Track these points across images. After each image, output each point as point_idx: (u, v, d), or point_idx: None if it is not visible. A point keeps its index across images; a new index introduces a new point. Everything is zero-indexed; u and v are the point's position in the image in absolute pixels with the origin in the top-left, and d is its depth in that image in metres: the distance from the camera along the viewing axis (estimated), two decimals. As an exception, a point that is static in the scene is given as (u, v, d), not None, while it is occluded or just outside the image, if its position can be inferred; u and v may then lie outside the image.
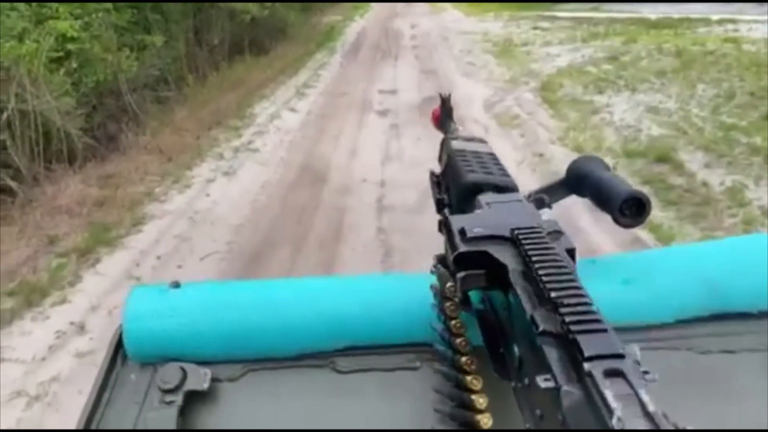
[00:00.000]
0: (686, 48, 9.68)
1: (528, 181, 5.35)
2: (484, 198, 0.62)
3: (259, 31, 12.65)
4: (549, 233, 0.52)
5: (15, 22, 5.89)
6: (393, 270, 3.92)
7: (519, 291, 0.45)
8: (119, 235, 4.65)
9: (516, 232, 0.51)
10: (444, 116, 0.92)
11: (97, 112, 7.06)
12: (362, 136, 7.30)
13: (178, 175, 5.97)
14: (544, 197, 0.67)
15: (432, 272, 0.61)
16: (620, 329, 0.39)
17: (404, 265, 3.92)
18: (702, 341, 0.63)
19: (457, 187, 0.69)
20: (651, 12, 15.26)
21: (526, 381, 0.42)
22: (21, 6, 6.11)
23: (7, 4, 5.96)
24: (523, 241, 0.50)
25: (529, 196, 0.67)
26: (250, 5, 10.65)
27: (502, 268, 0.49)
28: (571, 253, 0.50)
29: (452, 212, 0.62)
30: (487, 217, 0.58)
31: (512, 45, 12.69)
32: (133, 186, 5.66)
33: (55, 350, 3.23)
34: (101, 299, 3.71)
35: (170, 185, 5.74)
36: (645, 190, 4.83)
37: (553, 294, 0.42)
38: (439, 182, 0.79)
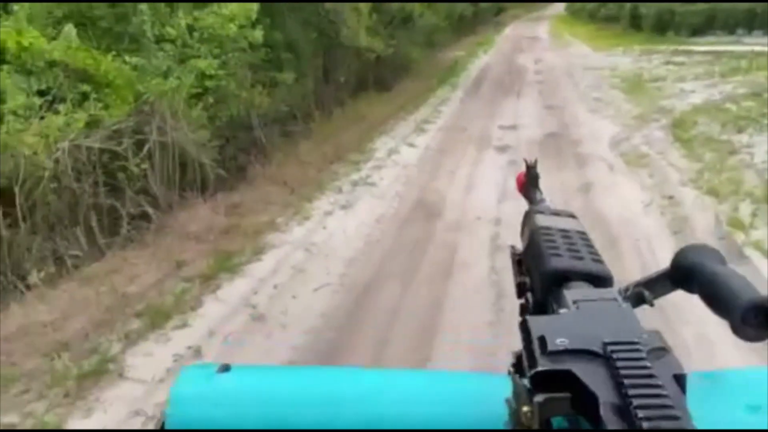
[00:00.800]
0: None
1: (656, 225, 5.00)
2: (571, 293, 0.53)
3: (383, 69, 13.00)
4: (650, 350, 0.42)
5: (162, 62, 6.44)
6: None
7: (608, 428, 0.37)
8: (240, 262, 4.86)
9: (609, 348, 0.42)
10: (529, 184, 0.84)
11: (230, 144, 7.51)
12: (479, 172, 7.22)
13: (299, 207, 6.18)
14: (644, 293, 0.57)
15: (509, 373, 0.49)
16: None
17: (514, 313, 3.75)
18: None
19: (540, 273, 0.59)
20: (802, 44, 14.02)
21: None
22: (168, 46, 6.67)
23: (156, 46, 6.53)
24: (618, 363, 0.41)
25: (627, 289, 0.57)
26: (376, 44, 10.96)
27: (591, 396, 0.39)
28: (679, 380, 0.40)
29: (534, 299, 0.54)
30: (574, 322, 0.48)
31: (642, 80, 12.11)
32: (256, 215, 5.93)
33: (173, 372, 3.39)
34: (218, 325, 3.87)
35: (291, 216, 5.94)
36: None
37: None
38: (520, 261, 0.68)
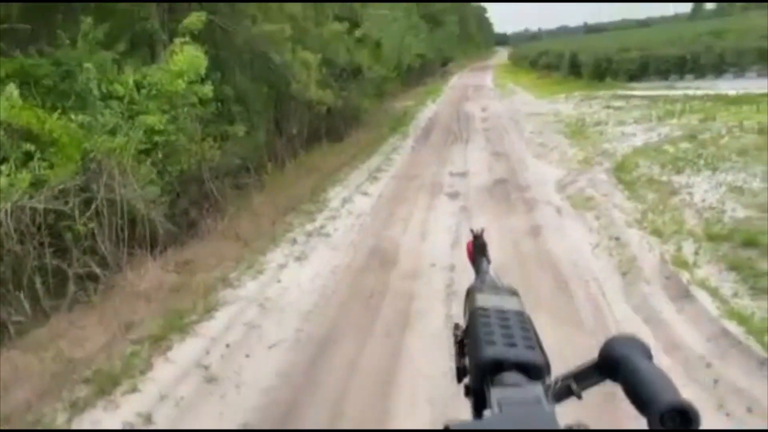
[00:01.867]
0: (771, 124, 9.27)
1: (604, 267, 5.12)
2: (496, 392, 0.54)
3: (335, 120, 13.17)
4: None
5: (108, 119, 6.36)
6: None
7: None
8: (192, 321, 4.74)
9: None
10: (476, 252, 0.88)
11: (180, 199, 7.41)
12: (432, 218, 7.30)
13: (252, 261, 6.10)
14: (572, 385, 0.60)
15: None
16: None
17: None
18: None
19: (475, 362, 0.60)
20: (729, 88, 14.84)
21: None
22: (114, 103, 6.60)
23: (103, 103, 6.46)
24: None
25: (556, 382, 0.59)
26: (327, 96, 11.12)
27: None
28: None
29: (472, 385, 0.56)
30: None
31: (584, 125, 12.58)
32: (208, 272, 5.82)
33: (122, 442, 3.25)
34: (169, 389, 3.74)
35: (244, 270, 5.86)
36: (731, 276, 4.52)
37: None
38: (462, 342, 0.69)
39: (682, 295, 4.33)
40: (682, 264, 4.81)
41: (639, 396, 0.54)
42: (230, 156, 8.70)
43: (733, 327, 3.67)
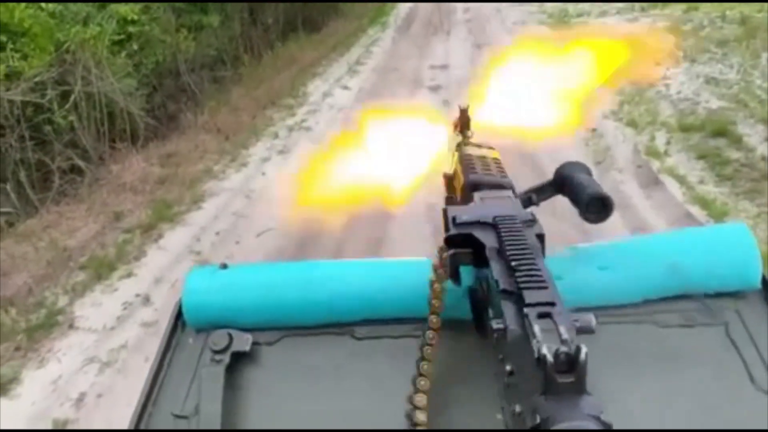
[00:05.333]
0: (751, 15, 9.23)
1: (578, 157, 5.27)
2: (478, 194, 0.73)
3: (313, 9, 12.73)
4: (524, 221, 0.63)
5: (80, 7, 6.14)
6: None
7: (491, 263, 0.57)
8: (180, 211, 4.86)
9: (497, 219, 0.63)
10: (463, 125, 1.04)
11: (158, 92, 7.32)
12: (413, 113, 7.31)
13: (235, 154, 6.15)
14: (532, 196, 0.78)
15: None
16: (595, 308, 0.48)
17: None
18: (665, 317, 0.73)
19: (461, 185, 0.81)
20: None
21: (495, 336, 0.52)
22: (85, -8, 6.35)
23: (72, -10, 6.21)
24: (500, 226, 0.61)
25: (520, 195, 0.77)
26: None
27: (482, 246, 0.60)
28: (540, 237, 0.62)
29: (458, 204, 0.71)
30: (477, 208, 0.69)
31: (567, 15, 12.36)
32: (192, 164, 5.88)
33: (123, 320, 3.46)
34: (164, 272, 3.92)
35: (228, 164, 5.93)
36: (699, 165, 4.70)
37: (513, 262, 0.54)
38: (449, 180, 0.91)
39: (651, 182, 4.53)
40: (654, 153, 4.99)
41: (574, 194, 0.73)
42: (205, 47, 8.50)
43: (695, 210, 3.90)
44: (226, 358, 0.73)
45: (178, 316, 0.81)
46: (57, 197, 5.14)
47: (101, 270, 3.93)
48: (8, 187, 4.89)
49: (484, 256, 0.59)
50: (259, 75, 9.28)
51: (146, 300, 3.61)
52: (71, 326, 3.41)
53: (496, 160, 0.85)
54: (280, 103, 7.97)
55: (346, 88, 8.75)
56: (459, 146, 0.93)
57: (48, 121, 5.40)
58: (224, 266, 0.83)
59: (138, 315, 3.50)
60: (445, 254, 0.64)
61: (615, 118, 5.99)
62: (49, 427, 2.74)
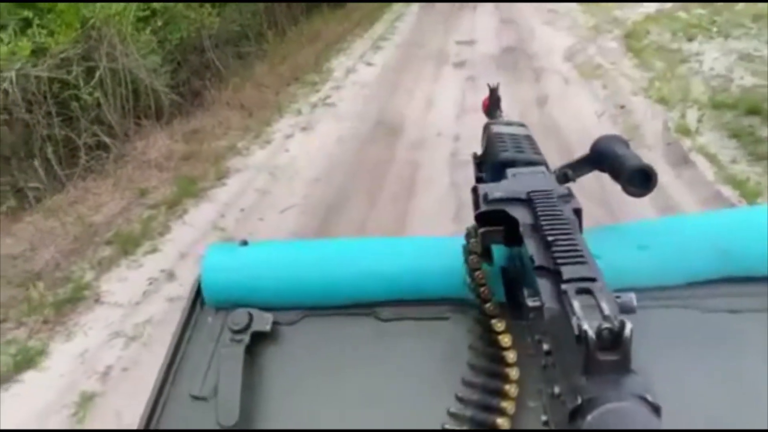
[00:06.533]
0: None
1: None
2: (511, 171, 0.69)
3: (337, -17, 12.58)
4: (560, 196, 0.60)
5: (104, -17, 6.14)
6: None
7: (526, 240, 0.54)
8: (204, 187, 4.89)
9: (531, 194, 0.59)
10: (492, 105, 0.99)
11: (182, 68, 7.32)
12: (437, 89, 7.24)
13: (259, 131, 6.15)
14: (568, 172, 0.73)
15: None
16: (636, 290, 0.44)
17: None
18: (710, 302, 0.68)
19: (492, 164, 0.76)
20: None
21: (531, 315, 0.48)
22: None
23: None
24: (535, 201, 0.58)
25: (556, 171, 0.72)
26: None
27: (515, 223, 0.56)
28: (577, 212, 0.58)
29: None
30: (510, 184, 0.65)
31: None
32: (216, 141, 5.89)
33: (149, 295, 3.49)
34: (189, 248, 3.95)
35: (251, 140, 5.93)
36: (732, 143, 4.59)
37: (549, 238, 0.51)
38: (480, 163, 0.85)
39: (681, 161, 4.42)
40: (685, 131, 4.87)
41: (614, 167, 0.68)
42: (229, 23, 8.47)
43: (727, 191, 3.80)
44: (246, 338, 0.71)
45: (197, 294, 0.78)
46: (83, 173, 5.20)
47: (127, 245, 3.97)
48: (36, 163, 4.95)
49: (518, 233, 0.56)
50: (284, 51, 9.24)
51: (171, 275, 3.64)
52: (97, 300, 3.46)
53: (529, 138, 0.80)
54: (304, 80, 7.93)
55: (370, 64, 8.66)
56: (487, 126, 0.88)
57: (75, 98, 5.44)
58: (244, 243, 0.80)
59: (163, 290, 3.54)
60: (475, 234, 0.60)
61: (645, 95, 5.85)
62: (77, 399, 2.79)
